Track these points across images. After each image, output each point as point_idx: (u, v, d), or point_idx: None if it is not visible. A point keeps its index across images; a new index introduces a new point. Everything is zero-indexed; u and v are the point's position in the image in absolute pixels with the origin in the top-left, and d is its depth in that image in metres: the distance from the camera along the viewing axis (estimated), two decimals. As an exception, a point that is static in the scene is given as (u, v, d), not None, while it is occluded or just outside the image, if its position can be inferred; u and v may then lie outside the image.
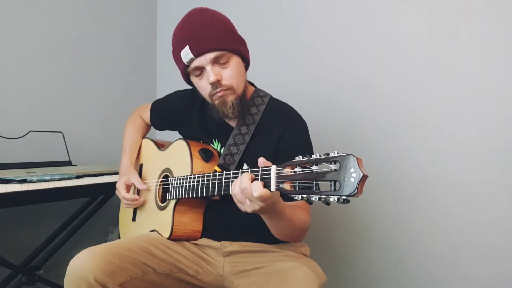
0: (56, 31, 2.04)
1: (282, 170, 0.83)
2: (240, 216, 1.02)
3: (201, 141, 1.28)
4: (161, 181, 1.32)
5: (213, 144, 1.27)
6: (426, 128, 1.63)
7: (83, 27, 2.16)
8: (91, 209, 1.90)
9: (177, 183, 1.20)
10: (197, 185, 1.11)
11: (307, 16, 1.95)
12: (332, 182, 0.73)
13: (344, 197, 0.72)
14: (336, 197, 0.73)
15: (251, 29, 1.64)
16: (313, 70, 1.92)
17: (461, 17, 1.56)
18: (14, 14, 1.88)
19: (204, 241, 1.24)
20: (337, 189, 0.73)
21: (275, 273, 1.08)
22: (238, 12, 1.90)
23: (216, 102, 1.15)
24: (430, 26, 1.62)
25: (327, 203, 0.76)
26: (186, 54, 1.12)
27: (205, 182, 1.09)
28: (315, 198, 0.76)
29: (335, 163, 0.74)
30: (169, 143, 1.35)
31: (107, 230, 2.25)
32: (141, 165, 1.47)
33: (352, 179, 0.71)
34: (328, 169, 0.74)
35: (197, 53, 1.11)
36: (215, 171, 1.10)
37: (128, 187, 1.36)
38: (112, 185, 1.39)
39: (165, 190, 1.29)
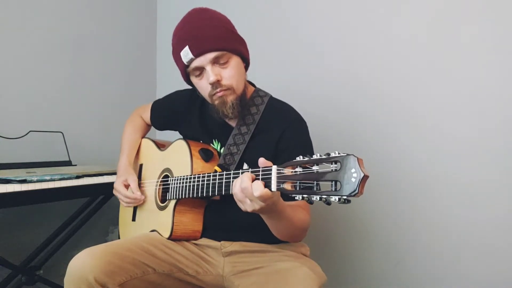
0: (56, 31, 2.04)
1: (282, 170, 0.83)
2: (240, 216, 1.02)
3: (201, 141, 1.28)
4: (161, 181, 1.32)
5: (213, 144, 1.27)
6: (426, 128, 1.64)
7: (83, 27, 2.16)
8: (91, 209, 1.89)
9: (177, 183, 1.20)
10: (197, 185, 1.11)
11: (307, 16, 1.95)
12: (333, 182, 0.74)
13: (345, 197, 0.72)
14: (337, 197, 0.73)
15: (251, 29, 1.64)
16: (313, 70, 1.92)
17: (461, 17, 1.56)
18: (14, 14, 1.88)
19: (204, 241, 1.24)
20: (338, 189, 0.73)
21: (275, 273, 1.08)
22: (238, 12, 1.90)
23: (216, 102, 1.15)
24: (430, 26, 1.62)
25: (328, 203, 0.76)
26: (186, 54, 1.12)
27: (205, 182, 1.09)
28: (316, 198, 0.76)
29: (335, 163, 0.74)
30: (169, 143, 1.35)
31: (107, 230, 2.25)
32: (141, 165, 1.47)
33: (353, 179, 0.71)
34: (329, 169, 0.75)
35: (197, 53, 1.11)
36: (215, 171, 1.10)
37: (126, 188, 1.35)
38: (112, 185, 1.38)
39: (165, 190, 1.29)
